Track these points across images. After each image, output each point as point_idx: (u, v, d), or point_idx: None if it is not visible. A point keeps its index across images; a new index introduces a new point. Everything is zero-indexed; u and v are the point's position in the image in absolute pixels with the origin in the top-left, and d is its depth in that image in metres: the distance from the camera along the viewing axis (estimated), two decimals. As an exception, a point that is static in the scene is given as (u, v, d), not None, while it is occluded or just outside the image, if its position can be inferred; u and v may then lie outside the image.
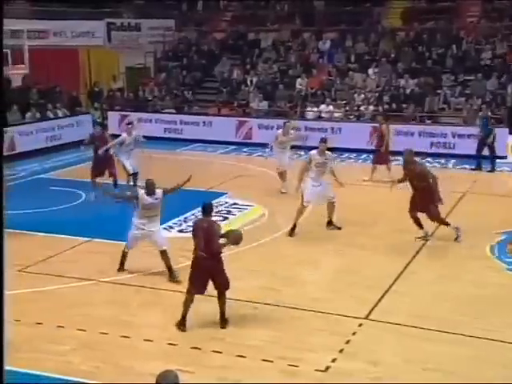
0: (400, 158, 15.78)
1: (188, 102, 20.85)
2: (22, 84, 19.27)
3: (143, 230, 8.42)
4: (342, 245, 9.92)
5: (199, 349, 6.72)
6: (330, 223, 10.64)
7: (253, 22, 22.91)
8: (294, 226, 10.38)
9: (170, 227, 10.86)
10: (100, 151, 12.42)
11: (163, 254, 8.43)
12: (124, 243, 8.74)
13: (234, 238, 7.14)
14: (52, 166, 15.93)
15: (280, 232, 10.50)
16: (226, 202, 12.37)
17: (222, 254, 7.19)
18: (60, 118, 18.76)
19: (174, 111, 20.28)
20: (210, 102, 20.55)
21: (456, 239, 9.91)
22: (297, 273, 8.94)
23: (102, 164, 12.56)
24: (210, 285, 7.16)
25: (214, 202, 12.18)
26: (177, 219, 11.22)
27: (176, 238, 10.36)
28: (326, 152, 10.57)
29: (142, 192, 8.44)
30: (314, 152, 10.59)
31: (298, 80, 20.01)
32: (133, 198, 8.53)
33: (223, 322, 7.18)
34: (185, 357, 6.54)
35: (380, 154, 14.12)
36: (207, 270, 7.00)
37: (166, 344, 6.82)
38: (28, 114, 18.14)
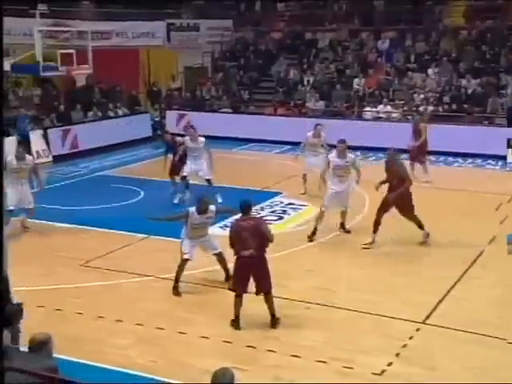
0: (450, 158, 15.71)
1: (244, 102, 20.99)
2: (86, 83, 19.85)
3: (195, 244, 8.27)
4: (398, 246, 9.76)
5: (254, 347, 6.77)
6: (342, 225, 10.49)
7: (310, 21, 22.83)
8: (315, 230, 10.14)
9: (226, 226, 10.95)
10: (179, 149, 12.50)
11: (219, 256, 8.34)
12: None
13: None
14: (112, 163, 16.31)
15: (334, 233, 10.44)
16: (281, 202, 12.40)
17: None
18: (120, 116, 19.22)
19: (230, 111, 20.46)
20: (266, 102, 20.61)
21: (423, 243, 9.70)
22: (351, 274, 8.86)
23: (178, 166, 12.65)
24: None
25: (269, 201, 12.40)
26: (232, 218, 11.28)
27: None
28: (348, 154, 10.09)
29: (192, 210, 8.09)
30: (332, 155, 10.20)
31: (356, 80, 19.82)
32: (182, 218, 8.20)
33: (274, 321, 7.18)
34: (239, 355, 6.60)
35: (413, 152, 13.94)
36: (251, 269, 6.97)
37: (222, 342, 6.90)
38: (90, 113, 18.67)
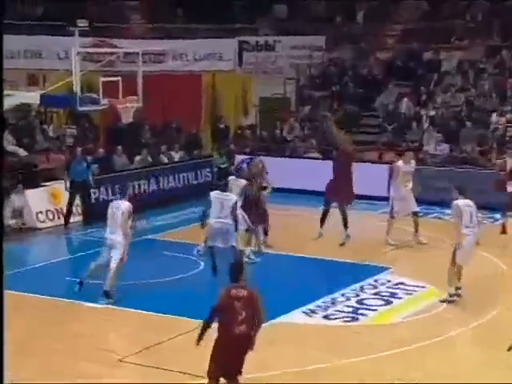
0: None
1: (340, 144, 21.05)
2: (133, 120, 20.47)
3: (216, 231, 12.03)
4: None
5: None
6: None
7: (431, 36, 22.86)
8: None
9: (312, 311, 10.84)
10: None
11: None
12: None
13: None
14: (163, 224, 16.56)
15: (469, 326, 10.12)
16: (389, 281, 12.23)
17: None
18: (176, 163, 19.61)
19: (320, 156, 20.52)
20: (368, 145, 20.60)
21: None
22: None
23: None
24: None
25: (372, 279, 12.20)
26: (321, 300, 11.22)
27: (319, 326, 10.37)
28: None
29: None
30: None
31: (494, 115, 19.56)
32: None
33: None
34: None
35: None
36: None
37: None
38: (137, 158, 19.15)
